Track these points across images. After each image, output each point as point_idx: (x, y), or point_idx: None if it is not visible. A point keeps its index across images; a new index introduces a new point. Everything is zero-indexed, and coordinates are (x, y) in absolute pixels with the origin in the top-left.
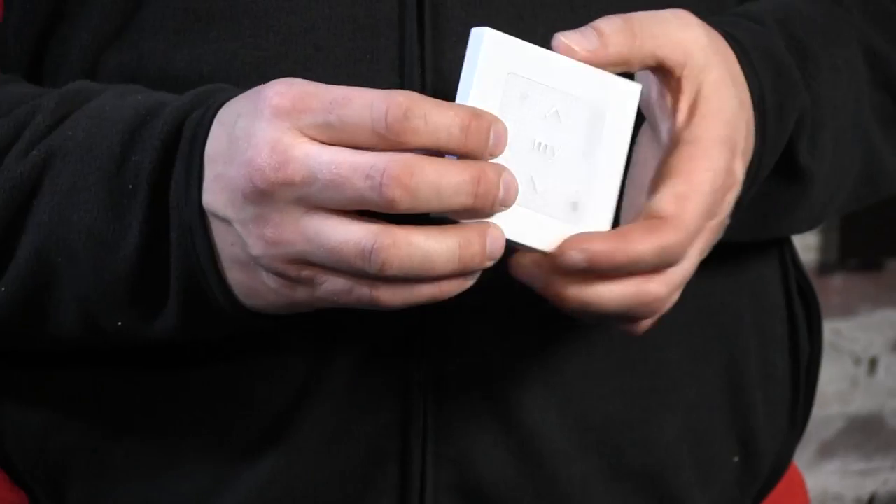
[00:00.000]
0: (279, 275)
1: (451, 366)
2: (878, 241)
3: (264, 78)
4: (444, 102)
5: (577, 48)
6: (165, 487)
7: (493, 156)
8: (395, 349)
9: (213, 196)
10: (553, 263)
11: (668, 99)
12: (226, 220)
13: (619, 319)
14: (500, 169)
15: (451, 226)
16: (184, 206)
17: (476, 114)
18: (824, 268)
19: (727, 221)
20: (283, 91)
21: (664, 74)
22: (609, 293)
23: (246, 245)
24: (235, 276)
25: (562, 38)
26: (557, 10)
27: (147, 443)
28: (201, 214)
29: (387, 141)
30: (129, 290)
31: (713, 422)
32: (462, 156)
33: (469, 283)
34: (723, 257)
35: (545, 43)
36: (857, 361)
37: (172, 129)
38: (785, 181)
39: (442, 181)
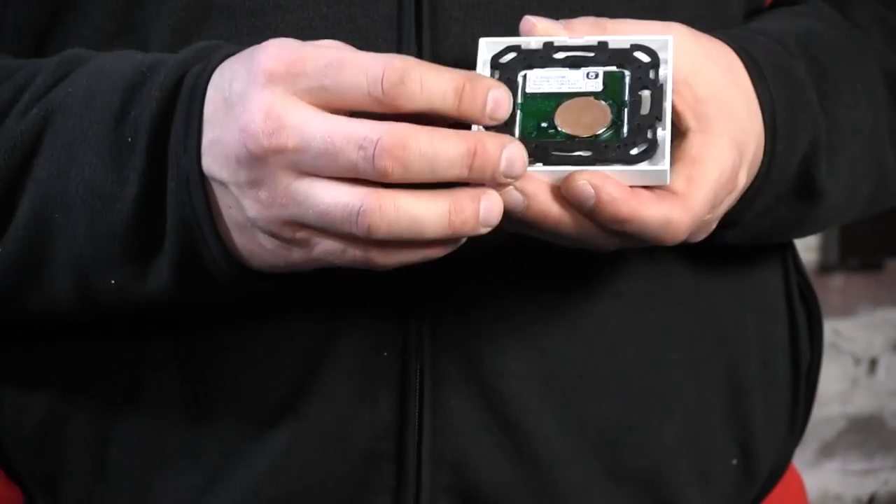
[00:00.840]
0: (275, 236)
1: (449, 366)
2: (878, 241)
3: None
4: (443, 67)
5: (539, 25)
6: (160, 485)
7: (494, 121)
8: (391, 349)
9: (210, 159)
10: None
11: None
12: (223, 184)
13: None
14: (504, 141)
15: (443, 190)
16: (182, 155)
17: (471, 78)
18: (824, 268)
19: (713, 225)
20: (276, 55)
21: None
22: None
23: (242, 207)
24: (236, 238)
25: (529, 17)
26: (555, 12)
27: (142, 440)
28: (199, 166)
29: (382, 105)
30: (124, 244)
31: (712, 425)
32: (458, 120)
33: (458, 244)
34: (724, 260)
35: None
36: (857, 361)
37: (172, 82)
38: (798, 199)
39: (436, 153)
